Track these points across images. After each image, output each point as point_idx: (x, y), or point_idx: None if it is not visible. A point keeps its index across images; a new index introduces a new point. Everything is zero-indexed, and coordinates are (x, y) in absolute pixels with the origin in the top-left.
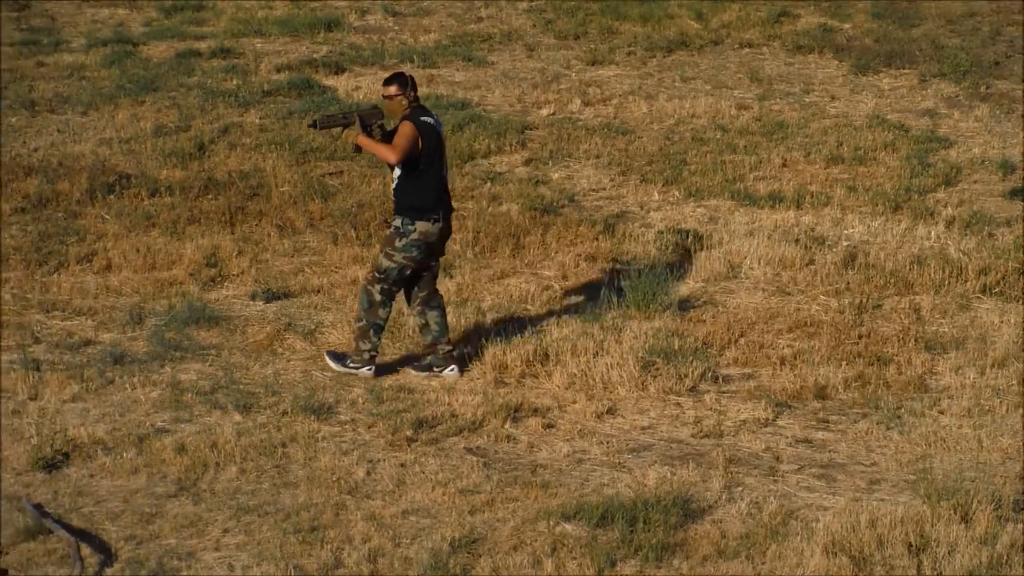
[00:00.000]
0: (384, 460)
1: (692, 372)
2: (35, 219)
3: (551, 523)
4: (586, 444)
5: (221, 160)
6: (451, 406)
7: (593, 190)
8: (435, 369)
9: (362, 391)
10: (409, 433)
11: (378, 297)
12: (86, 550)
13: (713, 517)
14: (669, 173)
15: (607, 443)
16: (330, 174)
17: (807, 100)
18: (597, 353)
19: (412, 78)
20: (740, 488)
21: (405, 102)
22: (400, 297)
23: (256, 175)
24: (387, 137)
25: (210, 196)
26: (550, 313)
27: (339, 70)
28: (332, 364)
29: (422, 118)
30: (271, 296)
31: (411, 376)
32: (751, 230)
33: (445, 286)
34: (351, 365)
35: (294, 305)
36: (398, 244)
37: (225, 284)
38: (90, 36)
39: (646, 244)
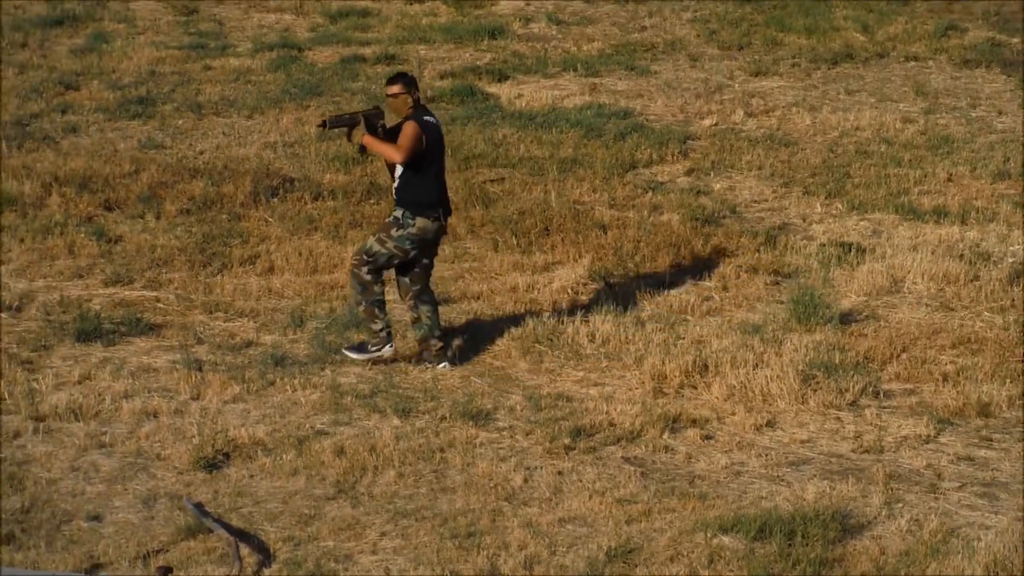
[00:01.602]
0: (541, 467)
1: (853, 386)
2: (200, 221)
3: (708, 535)
4: (744, 456)
5: (383, 165)
6: (609, 415)
7: (755, 201)
8: (428, 365)
9: (520, 398)
10: (567, 441)
11: (367, 277)
12: (245, 550)
13: (872, 533)
14: (832, 186)
15: (766, 456)
16: (491, 181)
17: (973, 115)
18: (757, 365)
19: (415, 78)
20: (900, 504)
21: (409, 101)
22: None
23: None
24: (388, 135)
25: (372, 201)
26: (710, 324)
27: (502, 78)
28: (355, 356)
29: (425, 117)
30: None
31: (568, 384)
32: (915, 244)
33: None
34: (372, 349)
35: (454, 311)
36: (394, 233)
37: (386, 289)
38: (256, 41)
39: (808, 257)
